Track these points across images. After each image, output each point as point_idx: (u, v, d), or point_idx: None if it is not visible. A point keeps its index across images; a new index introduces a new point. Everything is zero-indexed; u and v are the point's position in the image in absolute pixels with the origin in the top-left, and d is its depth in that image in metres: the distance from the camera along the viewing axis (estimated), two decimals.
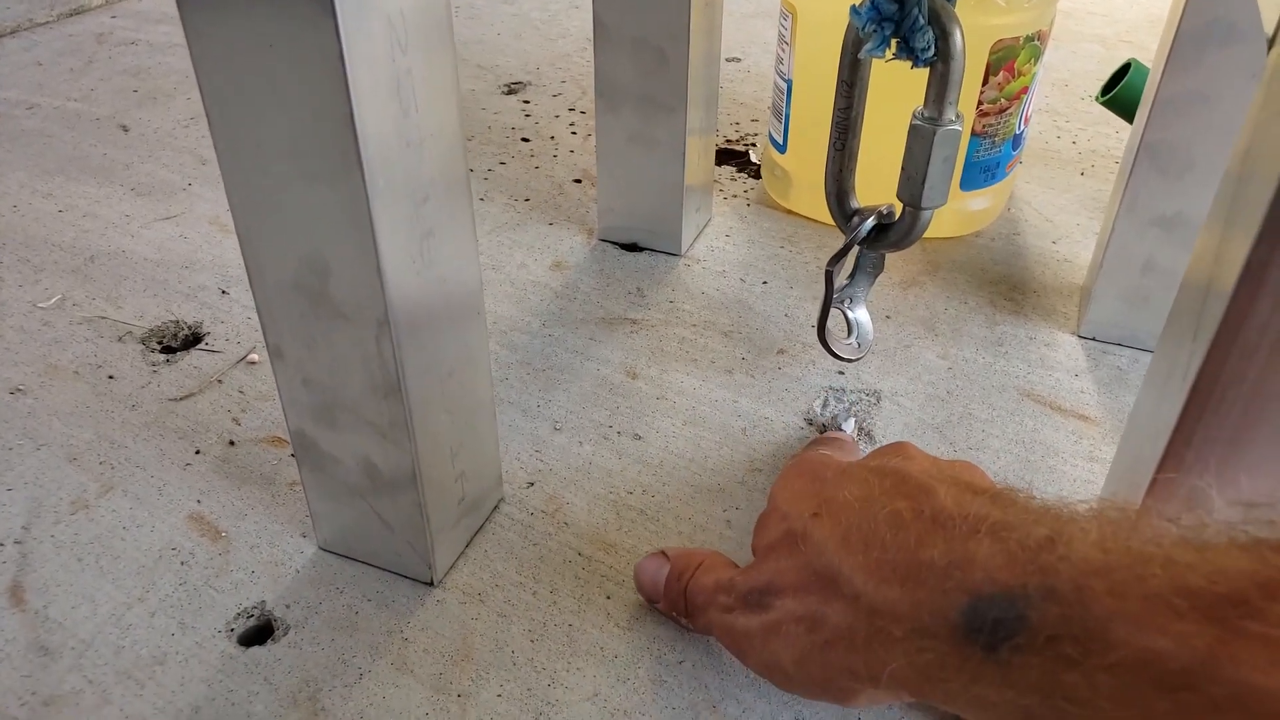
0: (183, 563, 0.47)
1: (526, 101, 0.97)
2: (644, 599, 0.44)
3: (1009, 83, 0.66)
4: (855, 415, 0.57)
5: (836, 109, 0.48)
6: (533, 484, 0.52)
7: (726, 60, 1.07)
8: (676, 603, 0.42)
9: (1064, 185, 0.83)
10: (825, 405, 0.57)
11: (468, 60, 1.06)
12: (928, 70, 0.43)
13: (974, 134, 0.67)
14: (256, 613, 0.45)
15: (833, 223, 0.51)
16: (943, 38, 0.42)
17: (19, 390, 0.58)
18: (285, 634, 0.44)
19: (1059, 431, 0.56)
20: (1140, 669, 0.22)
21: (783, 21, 0.70)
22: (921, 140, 0.44)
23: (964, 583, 0.27)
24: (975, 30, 0.60)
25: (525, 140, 0.89)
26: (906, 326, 0.64)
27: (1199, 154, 0.55)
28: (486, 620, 0.44)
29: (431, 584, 0.46)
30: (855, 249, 0.50)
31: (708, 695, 0.41)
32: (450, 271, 0.40)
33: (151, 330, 0.63)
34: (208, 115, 0.34)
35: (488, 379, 0.46)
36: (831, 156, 0.49)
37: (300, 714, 0.40)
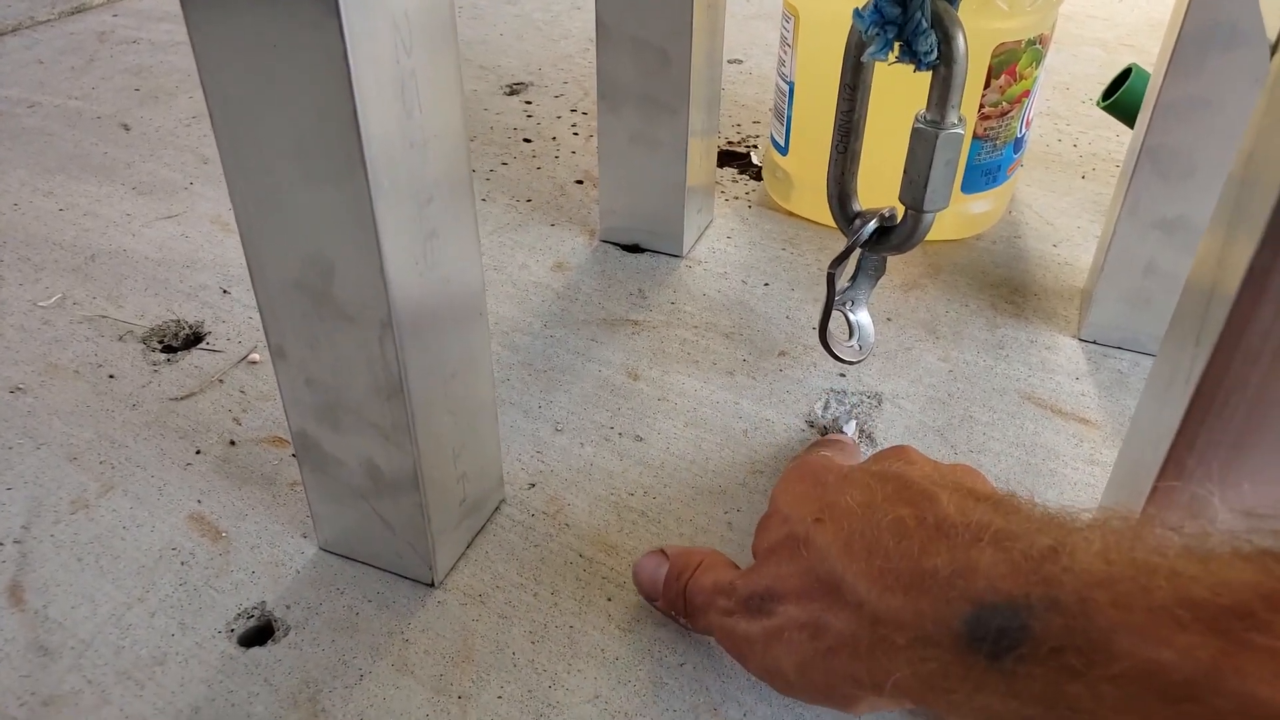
0: (183, 563, 0.47)
1: (528, 102, 0.97)
2: (643, 597, 0.44)
3: (1011, 86, 0.66)
4: (856, 417, 0.57)
5: (839, 112, 0.48)
6: (534, 485, 0.52)
7: (728, 62, 1.07)
8: (675, 602, 0.42)
9: (1065, 188, 0.83)
10: (826, 407, 0.57)
11: (470, 61, 1.06)
12: (930, 73, 0.43)
13: (976, 137, 0.67)
14: (257, 613, 0.45)
15: (834, 225, 0.51)
16: (945, 41, 0.42)
17: (19, 389, 0.58)
18: (286, 635, 0.44)
19: (1060, 435, 0.56)
20: (1144, 680, 0.22)
21: (785, 23, 0.70)
22: (924, 143, 0.44)
23: (967, 591, 0.27)
24: (977, 34, 0.60)
25: (527, 141, 0.89)
26: (908, 329, 0.64)
27: (1200, 158, 0.55)
28: (487, 622, 0.44)
29: (432, 585, 0.46)
30: (857, 252, 0.50)
31: (709, 698, 0.41)
32: (453, 272, 0.40)
33: (152, 329, 0.63)
34: (211, 115, 0.34)
35: (490, 380, 0.46)
36: (834, 159, 0.49)
37: (300, 715, 0.40)
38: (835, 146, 0.49)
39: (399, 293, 0.36)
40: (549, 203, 0.79)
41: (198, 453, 0.53)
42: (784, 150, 0.75)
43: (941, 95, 0.43)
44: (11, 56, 1.05)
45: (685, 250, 0.72)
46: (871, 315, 0.54)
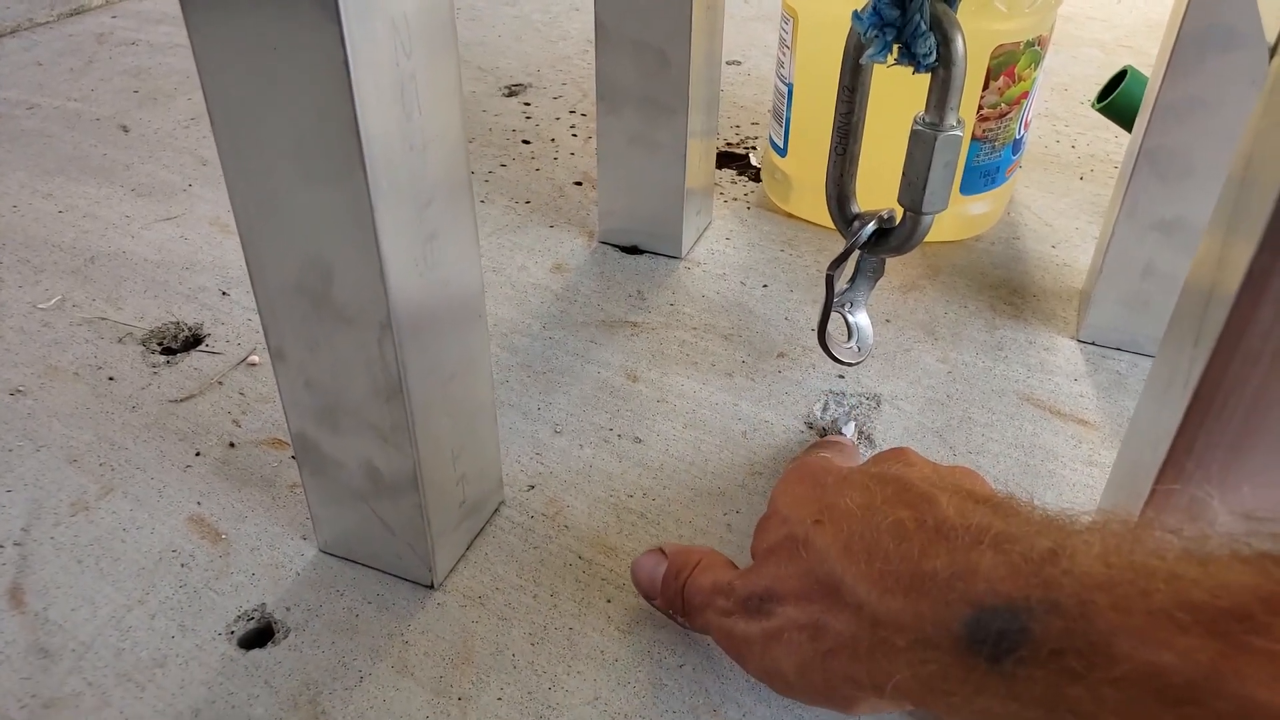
0: (183, 565, 0.47)
1: (527, 104, 0.97)
2: (641, 595, 0.44)
3: (1009, 88, 0.66)
4: (855, 419, 0.57)
5: (838, 114, 0.48)
6: (533, 487, 0.52)
7: (727, 63, 1.07)
8: (673, 601, 0.42)
9: (1064, 190, 0.83)
10: (825, 409, 0.57)
11: (469, 62, 1.06)
12: (929, 75, 0.43)
13: (974, 138, 0.67)
14: (257, 615, 0.45)
15: (833, 226, 0.51)
16: (944, 43, 0.42)
17: (19, 391, 0.58)
18: (286, 636, 0.44)
19: (1058, 436, 0.56)
20: (1144, 683, 0.22)
21: (784, 25, 0.70)
22: (923, 145, 0.44)
23: (967, 594, 0.27)
24: (976, 35, 0.60)
25: (526, 142, 0.89)
26: (906, 330, 0.64)
27: (1199, 159, 0.55)
28: (487, 623, 0.44)
29: (432, 587, 0.46)
30: (856, 253, 0.51)
31: (708, 699, 0.41)
32: (453, 275, 0.40)
33: (152, 331, 0.63)
34: (211, 117, 0.34)
35: (489, 382, 0.46)
36: (832, 161, 0.49)
37: (300, 717, 0.40)
38: (834, 148, 0.49)
39: (398, 295, 0.36)
40: (548, 204, 0.79)
41: (197, 455, 0.53)
42: (783, 152, 0.75)
43: (940, 97, 0.43)
44: (10, 58, 1.05)
45: (684, 252, 0.72)
46: (870, 317, 0.55)
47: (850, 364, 0.55)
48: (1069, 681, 0.23)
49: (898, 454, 0.39)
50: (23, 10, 1.14)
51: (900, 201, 0.47)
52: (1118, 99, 0.70)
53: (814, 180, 0.73)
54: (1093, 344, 0.63)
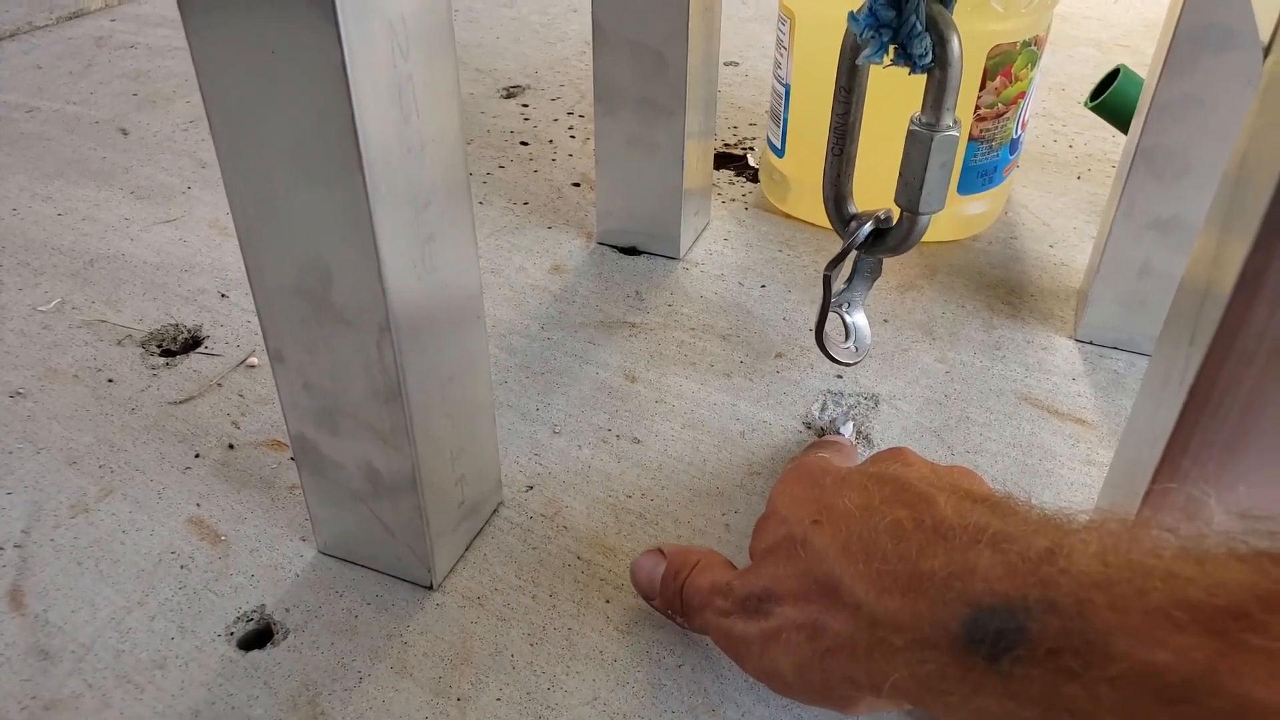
0: (182, 566, 0.47)
1: (525, 105, 0.97)
2: (640, 595, 0.44)
3: (1006, 88, 0.66)
4: (853, 419, 0.57)
5: (834, 114, 0.48)
6: (532, 487, 0.52)
7: (724, 64, 1.07)
8: (672, 601, 0.42)
9: (1061, 189, 0.83)
10: (823, 409, 0.58)
11: (466, 64, 1.06)
12: (925, 76, 0.43)
13: (971, 138, 0.68)
14: (256, 616, 0.45)
15: (831, 226, 0.51)
16: (940, 44, 0.42)
17: (19, 394, 0.58)
18: (285, 638, 0.44)
19: (1056, 435, 0.56)
20: (1141, 682, 0.22)
21: (781, 26, 0.71)
22: (919, 146, 0.44)
23: (964, 594, 0.27)
24: (972, 36, 0.60)
25: (524, 144, 0.89)
26: (904, 330, 0.65)
27: (1195, 158, 0.55)
28: (486, 624, 0.44)
29: (431, 588, 0.46)
30: (853, 254, 0.51)
31: (707, 699, 0.41)
32: (451, 276, 0.40)
33: (151, 334, 0.63)
34: (209, 120, 0.34)
35: (487, 383, 0.46)
36: (829, 161, 0.50)
37: (300, 717, 0.40)
38: (831, 149, 0.49)
39: (397, 297, 0.36)
40: (546, 205, 0.79)
41: (197, 456, 0.53)
42: (780, 152, 0.75)
43: (936, 98, 0.43)
44: (10, 61, 1.05)
45: (682, 252, 0.72)
46: (868, 316, 0.55)
47: (848, 364, 0.55)
48: (1066, 680, 0.23)
49: (896, 454, 0.39)
50: (22, 13, 1.14)
51: (897, 202, 0.47)
52: (1110, 98, 0.71)
53: (812, 181, 0.73)
54: (1090, 343, 0.63)
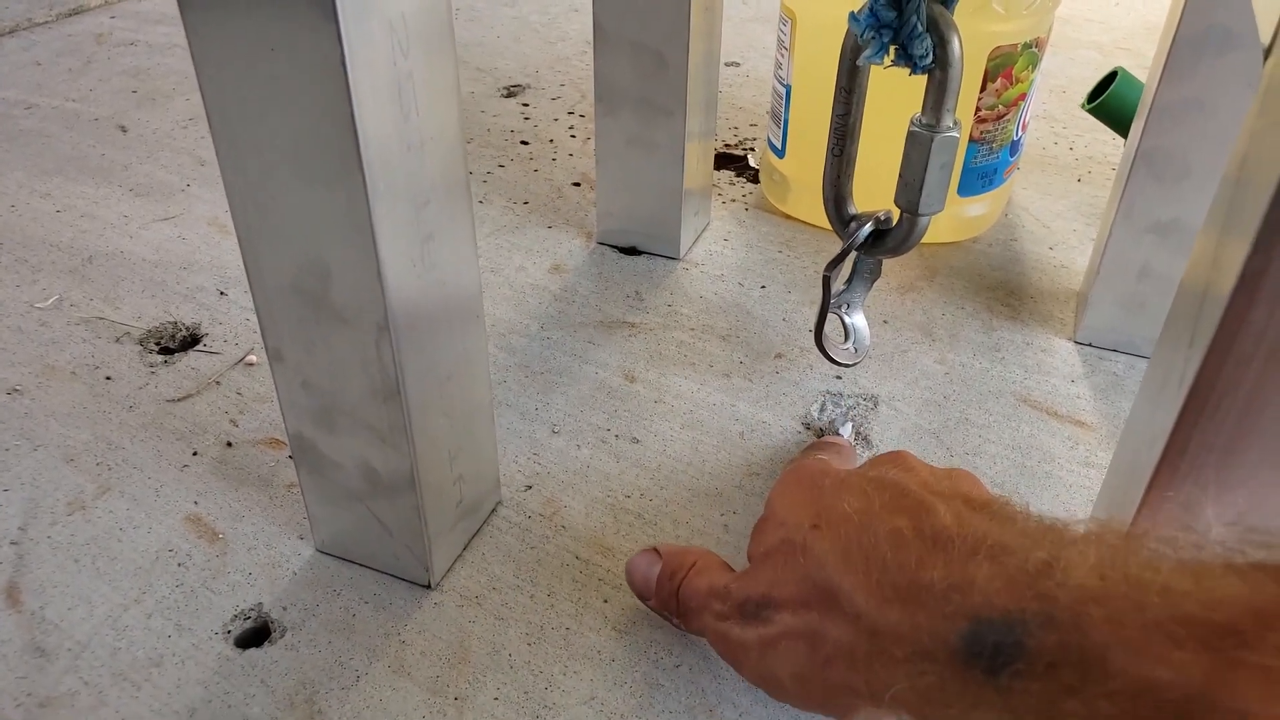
0: (180, 564, 0.47)
1: (526, 104, 0.97)
2: (635, 595, 0.44)
3: (1007, 89, 0.66)
4: (852, 420, 0.57)
5: (835, 115, 0.48)
6: (530, 487, 0.52)
7: (725, 65, 1.07)
8: (668, 602, 0.42)
9: (1061, 191, 0.83)
10: (823, 410, 0.58)
11: (467, 63, 1.06)
12: (926, 77, 0.43)
13: (972, 140, 0.68)
14: (253, 615, 0.45)
15: (830, 227, 0.51)
16: (941, 45, 0.42)
17: (16, 391, 0.58)
18: (282, 636, 0.44)
19: (1055, 437, 0.56)
20: (1139, 697, 0.22)
21: (782, 26, 0.70)
22: (919, 147, 0.44)
23: (963, 606, 0.27)
24: (973, 37, 0.60)
25: (524, 143, 0.89)
26: (904, 331, 0.65)
27: (1195, 161, 0.55)
28: (483, 623, 0.44)
29: (429, 587, 0.46)
30: (852, 255, 0.51)
31: (704, 699, 0.41)
32: (450, 275, 0.40)
33: (149, 331, 0.63)
34: (209, 118, 0.34)
35: (486, 382, 0.46)
36: (829, 162, 0.49)
37: (297, 716, 0.40)
38: (831, 150, 0.49)
39: (396, 296, 0.36)
40: (546, 205, 0.79)
41: (195, 454, 0.53)
42: (781, 153, 0.75)
43: (937, 99, 0.43)
44: (9, 58, 1.05)
45: (682, 253, 0.72)
46: (867, 318, 0.55)
47: (847, 365, 0.55)
48: (1065, 695, 0.23)
49: (895, 458, 0.39)
50: (21, 10, 1.14)
51: (897, 203, 0.47)
52: (1108, 100, 0.71)
53: (812, 181, 0.73)
54: (1090, 345, 0.63)
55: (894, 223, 0.48)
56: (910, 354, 0.62)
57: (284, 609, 0.45)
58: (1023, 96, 0.68)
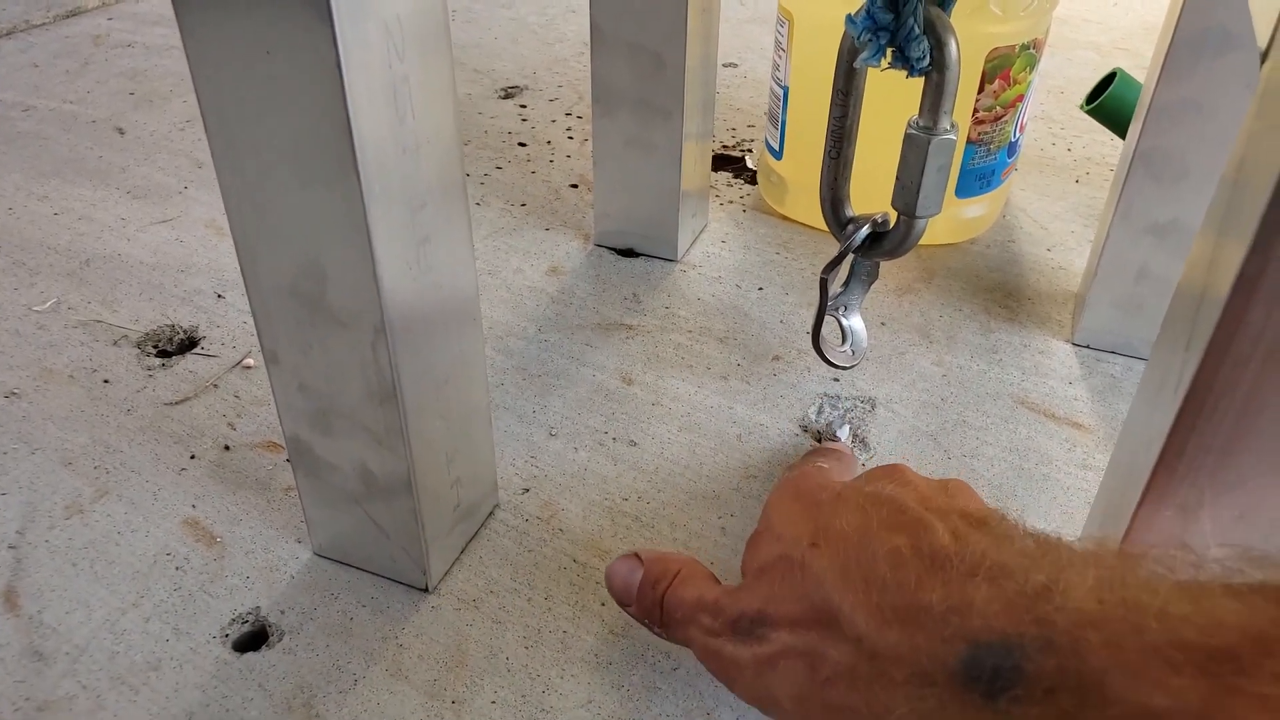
0: (177, 568, 0.47)
1: (523, 106, 0.97)
2: (615, 601, 0.43)
3: (1004, 91, 0.66)
4: (850, 422, 0.57)
5: (832, 118, 0.48)
6: (528, 490, 0.52)
7: (723, 66, 1.07)
8: (651, 611, 0.41)
9: (1059, 192, 0.83)
10: (820, 412, 0.58)
11: (464, 64, 1.06)
12: (923, 79, 0.43)
13: (969, 141, 0.68)
14: (251, 618, 0.45)
15: (828, 229, 0.51)
16: (938, 47, 0.42)
17: (14, 394, 0.58)
18: (280, 640, 0.44)
19: (1053, 439, 0.56)
20: None
21: (779, 28, 0.70)
22: (916, 149, 0.44)
23: (962, 629, 0.26)
24: (971, 39, 0.60)
25: (522, 145, 0.89)
26: (901, 333, 0.65)
27: (1193, 162, 0.55)
28: (481, 626, 0.44)
29: (426, 590, 0.46)
30: (850, 257, 0.51)
31: (702, 702, 0.41)
32: (447, 278, 0.40)
33: (147, 334, 0.63)
34: (204, 121, 0.34)
35: (483, 385, 0.46)
36: (826, 165, 0.49)
37: None
38: (828, 152, 0.49)
39: (392, 299, 0.36)
40: (544, 207, 0.79)
41: (192, 457, 0.53)
42: (778, 155, 0.75)
43: (934, 101, 0.43)
44: (6, 60, 1.05)
45: (680, 254, 0.72)
46: (865, 320, 0.55)
47: (845, 367, 0.55)
48: None
49: (892, 471, 0.38)
50: (19, 11, 1.14)
51: (894, 205, 0.47)
52: (1106, 101, 0.70)
53: (809, 183, 0.73)
54: (1088, 347, 0.63)
55: (891, 225, 0.48)
56: (908, 356, 0.62)
57: (282, 612, 0.45)
58: (1020, 98, 0.68)
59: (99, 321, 0.64)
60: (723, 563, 0.48)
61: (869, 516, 0.32)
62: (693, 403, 0.58)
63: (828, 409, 0.58)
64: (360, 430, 0.41)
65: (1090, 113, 0.72)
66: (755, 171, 0.85)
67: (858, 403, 0.58)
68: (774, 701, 0.34)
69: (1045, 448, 0.55)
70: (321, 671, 0.42)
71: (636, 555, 0.42)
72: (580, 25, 1.18)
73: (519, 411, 0.57)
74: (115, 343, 0.62)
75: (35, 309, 0.65)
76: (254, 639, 0.44)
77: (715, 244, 0.74)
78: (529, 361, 0.61)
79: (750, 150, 0.89)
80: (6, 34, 1.11)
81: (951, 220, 0.72)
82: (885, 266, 0.68)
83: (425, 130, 0.36)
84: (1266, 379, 0.29)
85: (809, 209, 0.75)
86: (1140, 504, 0.34)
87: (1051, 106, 0.99)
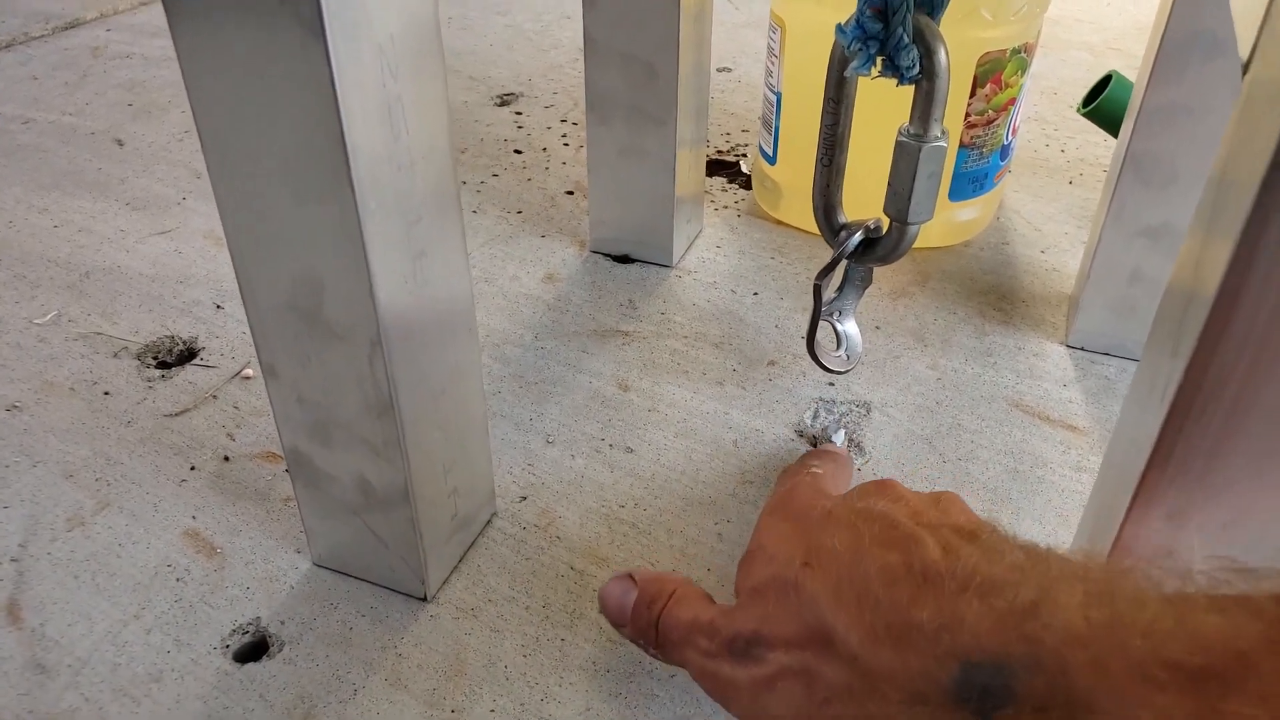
0: (178, 579, 0.47)
1: (519, 113, 0.98)
2: (609, 622, 0.42)
3: (996, 95, 0.66)
4: (845, 426, 0.57)
5: (823, 125, 0.48)
6: (525, 498, 0.52)
7: (717, 70, 1.07)
8: (646, 632, 0.40)
9: (1052, 194, 0.83)
10: (816, 417, 0.58)
11: (460, 71, 1.07)
12: (913, 87, 0.44)
13: (962, 145, 0.68)
14: (252, 629, 0.45)
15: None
16: (927, 56, 0.42)
17: (15, 407, 0.58)
18: (280, 650, 0.44)
19: (1047, 441, 0.56)
20: None
21: (771, 34, 0.71)
22: (907, 156, 0.44)
23: (953, 647, 0.27)
24: (962, 43, 0.60)
25: (518, 152, 0.90)
26: (896, 337, 0.65)
27: (1183, 165, 0.56)
28: (479, 635, 0.45)
29: (425, 599, 0.46)
30: (843, 263, 0.51)
31: (700, 709, 0.42)
32: (442, 290, 0.40)
33: (147, 346, 0.64)
34: (200, 135, 0.35)
35: (480, 395, 0.46)
36: (819, 171, 0.50)
37: None
38: (820, 159, 0.49)
39: (388, 312, 0.37)
40: (539, 214, 0.79)
41: (192, 469, 0.54)
42: (772, 160, 0.75)
43: (924, 109, 0.43)
44: (5, 72, 1.05)
45: (675, 260, 0.72)
46: (859, 324, 0.55)
47: (840, 372, 0.55)
48: None
49: (882, 487, 0.38)
50: (17, 24, 1.15)
51: (886, 211, 0.47)
52: (1103, 104, 0.71)
53: (803, 188, 0.73)
54: (1081, 349, 0.64)
55: (884, 231, 0.49)
56: (902, 360, 0.63)
57: (282, 623, 0.45)
58: (1012, 101, 0.68)
59: (99, 334, 0.65)
60: (719, 569, 0.48)
61: (860, 534, 0.32)
62: (689, 408, 0.58)
63: (823, 414, 0.58)
64: (358, 441, 0.41)
65: (1086, 116, 0.73)
66: (750, 176, 0.85)
67: (853, 407, 0.59)
68: None
69: (1040, 450, 0.55)
70: (321, 681, 0.42)
71: (630, 575, 0.42)
72: (575, 32, 1.18)
73: (516, 419, 0.57)
74: (115, 355, 0.63)
75: (36, 322, 0.66)
76: (254, 649, 0.44)
77: (710, 249, 0.75)
78: (526, 369, 0.62)
79: (745, 155, 0.89)
80: (5, 46, 1.11)
81: (945, 223, 0.73)
82: (880, 270, 0.68)
83: (419, 146, 0.36)
84: (1253, 381, 0.30)
85: (803, 214, 0.76)
86: (1130, 508, 0.34)
87: (1045, 108, 1.00)
